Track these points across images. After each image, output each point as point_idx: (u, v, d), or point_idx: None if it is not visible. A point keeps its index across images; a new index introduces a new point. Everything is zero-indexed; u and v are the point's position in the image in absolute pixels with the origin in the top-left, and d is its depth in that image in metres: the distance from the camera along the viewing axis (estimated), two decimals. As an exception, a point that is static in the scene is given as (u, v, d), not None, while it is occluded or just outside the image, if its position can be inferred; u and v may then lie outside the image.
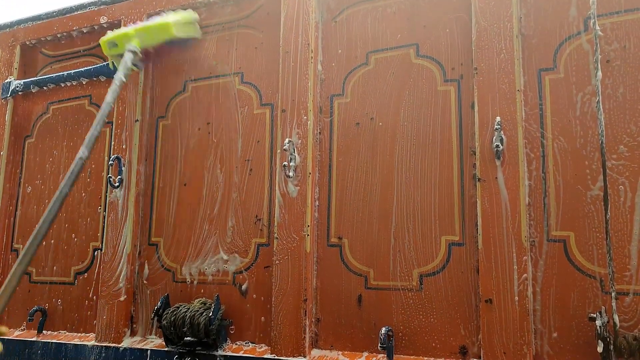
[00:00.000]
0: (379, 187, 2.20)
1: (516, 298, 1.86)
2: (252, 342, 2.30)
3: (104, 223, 2.70)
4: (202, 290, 2.45)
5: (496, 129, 1.95)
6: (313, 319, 2.20)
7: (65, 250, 2.82)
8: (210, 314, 2.26)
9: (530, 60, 2.04)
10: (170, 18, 2.55)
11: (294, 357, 2.15)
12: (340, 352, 2.13)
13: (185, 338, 2.33)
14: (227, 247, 2.43)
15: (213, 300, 2.33)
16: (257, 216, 2.40)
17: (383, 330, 2.00)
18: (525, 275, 1.87)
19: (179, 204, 2.58)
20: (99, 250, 2.72)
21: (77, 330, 2.68)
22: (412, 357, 2.02)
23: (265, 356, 2.20)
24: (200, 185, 2.55)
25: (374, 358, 2.06)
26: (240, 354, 2.26)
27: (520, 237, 1.89)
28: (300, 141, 2.31)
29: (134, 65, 2.55)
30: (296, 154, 2.29)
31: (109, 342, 2.52)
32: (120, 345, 2.48)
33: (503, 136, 1.96)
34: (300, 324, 2.17)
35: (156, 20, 2.58)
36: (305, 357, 2.13)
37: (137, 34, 2.56)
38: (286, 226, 2.27)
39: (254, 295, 2.34)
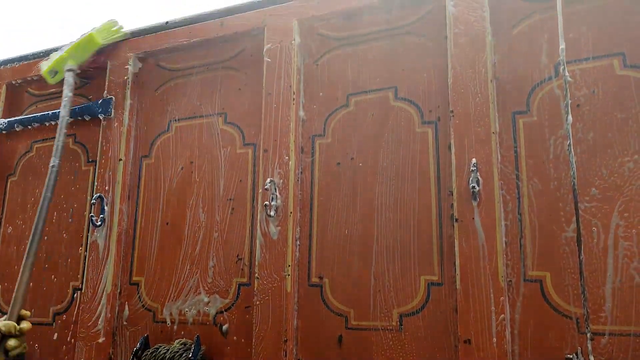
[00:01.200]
0: (359, 226, 2.23)
1: (494, 339, 1.87)
2: (232, 384, 2.28)
3: (85, 263, 2.69)
4: (182, 331, 2.43)
5: (472, 170, 2.00)
6: (293, 360, 2.19)
7: (44, 292, 2.78)
8: (190, 355, 2.24)
9: (504, 104, 2.10)
10: (93, 30, 2.83)
11: (274, 399, 2.13)
12: (320, 394, 2.12)
13: (164, 380, 2.30)
14: (209, 287, 2.43)
15: (193, 341, 2.31)
16: (238, 255, 2.41)
17: (363, 371, 1.99)
18: (502, 315, 1.88)
19: (160, 243, 2.58)
20: (79, 291, 2.69)
21: (55, 372, 2.63)
22: (392, 399, 2.01)
23: (245, 399, 2.17)
24: (183, 224, 2.56)
25: (355, 400, 2.05)
26: (220, 396, 2.23)
27: (498, 277, 1.91)
28: (282, 181, 2.34)
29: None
30: (278, 193, 2.31)
31: (87, 385, 2.48)
32: (97, 388, 2.44)
33: (479, 177, 2.00)
34: (281, 366, 2.15)
35: (81, 37, 2.84)
36: (285, 399, 2.11)
37: (69, 54, 2.80)
38: (267, 266, 2.27)
39: (235, 336, 2.33)
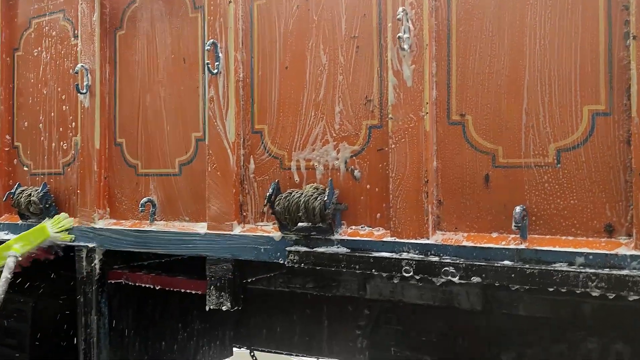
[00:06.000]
0: (507, 57, 1.98)
1: (678, 170, 1.66)
2: (368, 226, 2.25)
3: (204, 114, 2.65)
4: (311, 179, 2.38)
5: (660, -25, 1.66)
6: (434, 202, 2.10)
7: (166, 144, 2.80)
8: (325, 198, 2.20)
9: None
10: (46, 222, 3.01)
11: (415, 239, 2.08)
12: (465, 234, 2.04)
13: (299, 223, 2.31)
14: (336, 134, 2.32)
15: (325, 186, 2.27)
16: (367, 97, 2.25)
17: (517, 209, 1.86)
18: (690, 145, 1.65)
19: (281, 89, 2.46)
20: (201, 141, 2.68)
21: (191, 219, 2.72)
22: (547, 236, 1.90)
23: (386, 239, 2.14)
24: (303, 68, 2.40)
25: (505, 240, 1.95)
26: (358, 237, 2.22)
27: (686, 102, 1.66)
28: (413, 11, 2.09)
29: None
30: (410, 25, 2.08)
31: (221, 231, 2.54)
32: (232, 233, 2.50)
33: (668, -16, 1.67)
34: (422, 207, 2.07)
35: (32, 228, 3.02)
36: (428, 239, 2.06)
37: (15, 242, 2.96)
38: (402, 106, 2.12)
39: (368, 184, 2.25)
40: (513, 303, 2.56)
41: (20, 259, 2.95)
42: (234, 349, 4.03)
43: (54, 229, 2.99)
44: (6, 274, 2.87)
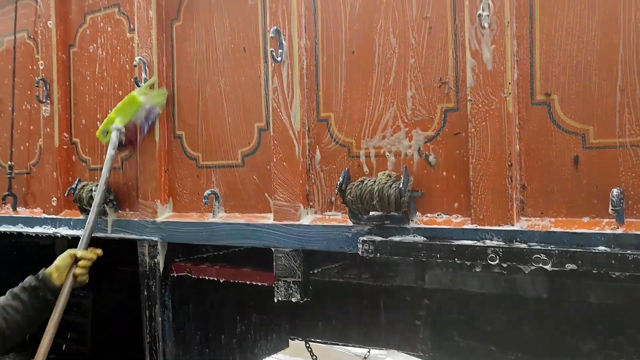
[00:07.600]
0: (598, 31, 1.87)
1: None
2: (444, 214, 2.17)
3: (267, 104, 2.60)
4: (382, 166, 2.31)
5: None
6: (518, 186, 2.00)
7: (230, 134, 2.77)
8: (400, 186, 2.13)
9: None
10: (135, 91, 2.94)
11: (499, 226, 1.99)
12: (552, 219, 1.94)
13: (370, 212, 2.25)
14: (408, 119, 2.24)
15: (399, 173, 2.20)
16: (441, 79, 2.16)
17: (615, 191, 1.76)
18: None
19: (348, 75, 2.39)
20: (264, 131, 2.64)
21: (255, 210, 2.68)
22: (647, 221, 1.79)
23: (466, 226, 2.06)
24: (371, 52, 2.33)
25: (598, 225, 1.85)
26: (435, 226, 2.14)
27: None
28: (492, -14, 1.99)
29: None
30: (490, 1, 1.99)
31: (288, 221, 2.50)
32: (300, 223, 2.45)
33: None
34: (505, 192, 1.98)
35: (125, 98, 2.96)
36: (513, 225, 1.97)
37: (116, 114, 2.93)
38: (481, 87, 2.02)
39: (444, 171, 2.16)
40: (582, 290, 2.46)
41: (124, 131, 2.90)
42: (290, 341, 4.01)
43: (144, 96, 2.92)
44: (110, 149, 2.85)
